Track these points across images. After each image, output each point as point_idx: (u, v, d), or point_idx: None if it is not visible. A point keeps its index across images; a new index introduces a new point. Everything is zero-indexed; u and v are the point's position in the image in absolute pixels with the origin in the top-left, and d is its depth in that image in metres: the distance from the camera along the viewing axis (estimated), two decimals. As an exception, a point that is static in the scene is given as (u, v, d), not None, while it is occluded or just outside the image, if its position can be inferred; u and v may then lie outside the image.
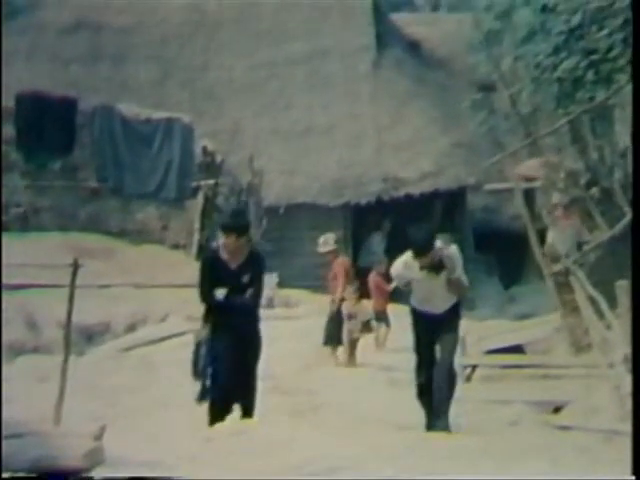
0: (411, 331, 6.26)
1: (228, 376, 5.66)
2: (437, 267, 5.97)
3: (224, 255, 5.80)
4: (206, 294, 5.80)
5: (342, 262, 9.37)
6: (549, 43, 9.06)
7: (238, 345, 5.70)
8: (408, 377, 7.93)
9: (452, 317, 6.15)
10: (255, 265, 5.87)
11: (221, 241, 5.83)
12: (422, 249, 5.90)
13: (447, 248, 6.04)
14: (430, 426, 6.02)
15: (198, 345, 5.77)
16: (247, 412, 5.76)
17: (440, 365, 6.04)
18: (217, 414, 5.63)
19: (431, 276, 5.99)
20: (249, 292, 5.78)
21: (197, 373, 5.73)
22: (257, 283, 5.85)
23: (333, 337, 9.07)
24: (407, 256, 6.06)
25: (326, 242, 9.25)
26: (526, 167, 11.08)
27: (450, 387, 6.03)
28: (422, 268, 5.97)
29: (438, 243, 6.01)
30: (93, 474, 3.42)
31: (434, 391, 5.99)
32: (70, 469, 3.42)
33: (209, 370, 5.70)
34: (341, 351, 9.08)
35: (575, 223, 9.97)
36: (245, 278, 5.78)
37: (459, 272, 6.05)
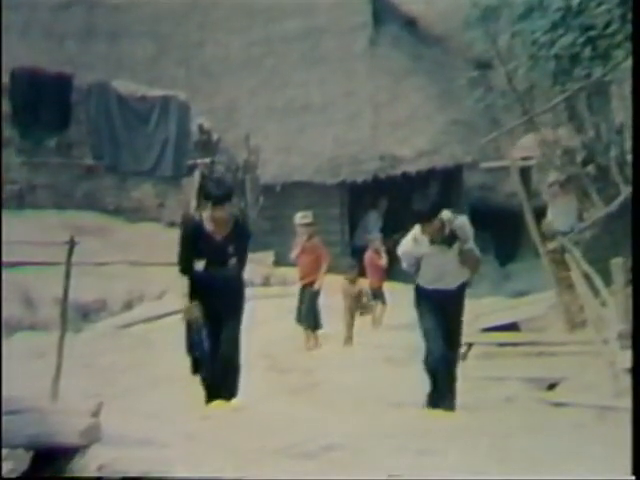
0: (417, 315, 5.98)
1: (213, 349, 5.56)
2: (449, 239, 5.77)
3: (209, 227, 5.65)
4: (188, 266, 5.65)
5: (320, 244, 9.21)
6: (546, 20, 9.01)
7: (219, 318, 5.58)
8: (405, 355, 7.98)
9: (461, 295, 5.99)
10: (240, 235, 5.75)
11: (206, 213, 5.67)
12: (428, 217, 5.68)
13: (457, 218, 5.83)
14: (435, 404, 5.85)
15: (190, 323, 5.61)
16: (230, 392, 5.60)
17: (450, 347, 5.86)
18: (209, 393, 5.58)
19: (443, 250, 5.78)
20: (232, 262, 5.65)
21: (191, 351, 5.69)
22: (241, 253, 5.73)
23: (311, 320, 8.94)
24: (416, 231, 5.83)
25: (306, 216, 9.17)
26: (522, 145, 11.06)
27: (453, 367, 5.92)
28: (432, 242, 5.77)
29: (446, 214, 5.79)
30: (90, 451, 3.44)
31: (438, 373, 5.82)
32: (67, 446, 3.44)
33: (203, 347, 5.61)
34: (313, 335, 8.98)
35: (574, 198, 9.97)
36: (230, 249, 5.66)
37: (471, 243, 5.84)
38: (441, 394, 5.86)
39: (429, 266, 5.87)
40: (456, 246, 5.79)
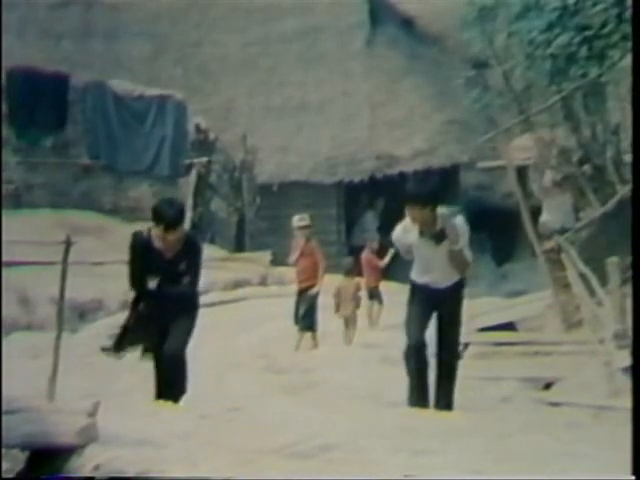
0: (406, 307, 5.88)
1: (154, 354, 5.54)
2: (438, 236, 5.59)
3: (157, 244, 5.44)
4: (137, 282, 5.52)
5: (318, 246, 9.18)
6: (543, 19, 9.01)
7: (165, 337, 5.47)
8: (401, 355, 7.98)
9: (454, 296, 5.76)
10: (192, 253, 5.53)
11: (156, 232, 5.43)
12: (420, 202, 5.46)
13: (452, 217, 5.64)
14: (414, 403, 5.72)
15: (125, 328, 5.54)
16: (174, 395, 5.47)
17: (445, 348, 5.75)
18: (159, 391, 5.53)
19: (430, 244, 5.60)
20: (185, 280, 5.46)
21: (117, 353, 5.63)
22: (194, 271, 5.51)
23: (309, 322, 8.91)
24: (406, 219, 5.69)
25: (302, 218, 9.13)
26: (519, 144, 11.08)
27: (455, 369, 5.82)
28: (421, 234, 5.60)
29: (442, 210, 5.62)
30: (87, 450, 3.44)
31: (439, 374, 5.75)
32: (64, 445, 3.44)
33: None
34: (312, 336, 8.96)
35: (569, 195, 9.99)
36: (181, 267, 5.46)
37: (462, 244, 5.62)
38: (412, 389, 5.72)
39: (418, 258, 5.74)
40: (444, 244, 5.61)
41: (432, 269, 5.70)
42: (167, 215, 5.40)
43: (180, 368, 5.51)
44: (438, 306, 5.76)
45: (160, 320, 5.49)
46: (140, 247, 5.50)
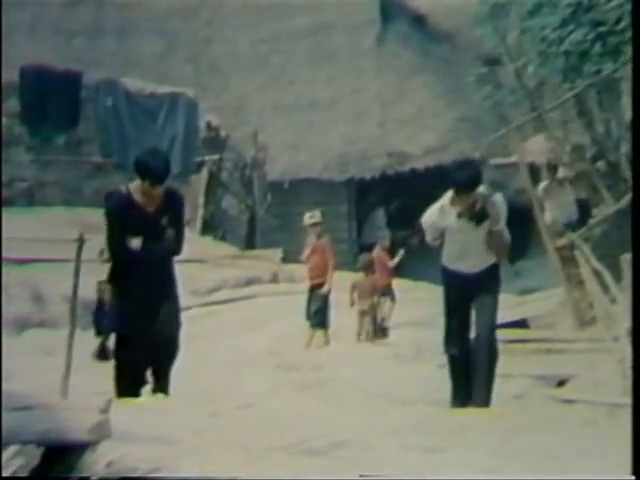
0: (442, 296, 5.52)
1: (137, 338, 5.01)
2: (478, 216, 5.22)
3: (138, 199, 5.07)
4: (117, 246, 5.09)
5: (330, 243, 9.18)
6: (556, 16, 8.97)
7: (151, 301, 5.03)
8: (412, 352, 7.96)
9: (490, 279, 5.40)
10: (174, 205, 5.18)
11: (135, 185, 5.10)
12: (465, 187, 5.12)
13: (492, 194, 5.29)
14: (459, 402, 5.48)
15: (100, 301, 5.22)
16: (160, 385, 5.17)
17: (480, 336, 5.35)
18: (126, 385, 5.13)
19: (469, 226, 5.25)
20: (169, 235, 5.09)
21: (99, 331, 5.28)
22: (177, 224, 5.15)
23: (321, 319, 8.89)
24: (444, 200, 5.32)
25: (313, 216, 9.13)
26: (531, 141, 11.04)
27: (492, 360, 5.40)
28: (460, 215, 5.23)
29: (482, 188, 5.25)
30: (100, 447, 3.45)
31: (475, 365, 5.38)
32: (77, 442, 3.45)
33: (109, 327, 5.08)
34: (323, 334, 8.94)
35: (569, 190, 9.95)
36: (164, 221, 5.09)
37: (502, 225, 5.29)
38: (456, 389, 5.50)
39: (452, 242, 5.36)
40: (485, 225, 5.26)
41: (467, 253, 5.37)
42: (154, 169, 5.04)
43: (174, 352, 5.17)
44: (472, 292, 5.39)
45: (144, 287, 5.01)
46: (120, 205, 5.14)
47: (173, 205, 5.18)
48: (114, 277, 5.17)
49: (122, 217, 5.09)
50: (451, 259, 5.44)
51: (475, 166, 5.42)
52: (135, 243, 5.04)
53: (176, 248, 5.19)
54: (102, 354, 5.18)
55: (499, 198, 5.36)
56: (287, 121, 15.67)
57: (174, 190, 5.37)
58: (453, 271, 5.43)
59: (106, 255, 5.23)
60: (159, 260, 5.11)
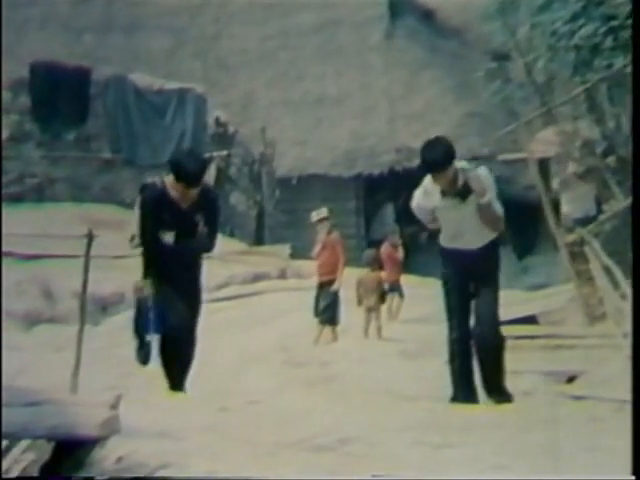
0: (440, 285, 5.36)
1: (176, 334, 5.02)
2: (462, 192, 5.08)
3: (173, 193, 5.01)
4: (150, 239, 5.00)
5: (339, 239, 9.16)
6: (567, 10, 8.92)
7: (185, 299, 5.06)
8: (420, 348, 7.96)
9: (490, 256, 5.20)
10: (208, 203, 5.13)
11: (170, 179, 5.02)
12: (438, 165, 5.03)
13: (474, 169, 5.16)
14: (457, 397, 5.30)
15: (140, 301, 5.02)
16: (177, 382, 5.19)
17: (482, 321, 5.15)
18: (177, 381, 5.18)
19: (455, 203, 5.10)
20: (202, 232, 5.05)
21: (139, 333, 5.02)
22: (212, 223, 5.12)
23: (330, 316, 8.88)
24: (426, 181, 5.24)
25: (319, 212, 9.13)
26: (541, 137, 11.00)
27: (499, 349, 5.20)
28: (444, 194, 5.10)
29: (461, 163, 5.16)
30: (109, 443, 3.47)
31: (479, 354, 5.19)
32: (87, 437, 3.46)
33: (154, 329, 4.99)
34: (331, 330, 8.93)
35: (591, 186, 9.91)
36: (198, 218, 5.05)
37: (490, 197, 5.08)
38: (457, 384, 5.34)
39: (445, 222, 5.21)
40: (471, 200, 5.10)
41: (462, 232, 5.19)
42: (189, 171, 4.98)
43: (192, 347, 5.17)
44: (473, 272, 5.19)
45: (178, 284, 5.01)
46: (154, 199, 5.06)
47: (207, 203, 5.16)
48: (149, 273, 5.12)
49: (156, 211, 5.05)
50: (448, 239, 5.28)
51: (444, 143, 5.20)
52: (168, 238, 5.02)
53: (209, 245, 5.20)
54: (147, 357, 5.12)
55: (483, 171, 5.18)
56: (295, 117, 15.67)
57: (209, 187, 5.39)
58: (451, 249, 5.26)
59: (137, 241, 5.14)
60: (191, 256, 5.13)
